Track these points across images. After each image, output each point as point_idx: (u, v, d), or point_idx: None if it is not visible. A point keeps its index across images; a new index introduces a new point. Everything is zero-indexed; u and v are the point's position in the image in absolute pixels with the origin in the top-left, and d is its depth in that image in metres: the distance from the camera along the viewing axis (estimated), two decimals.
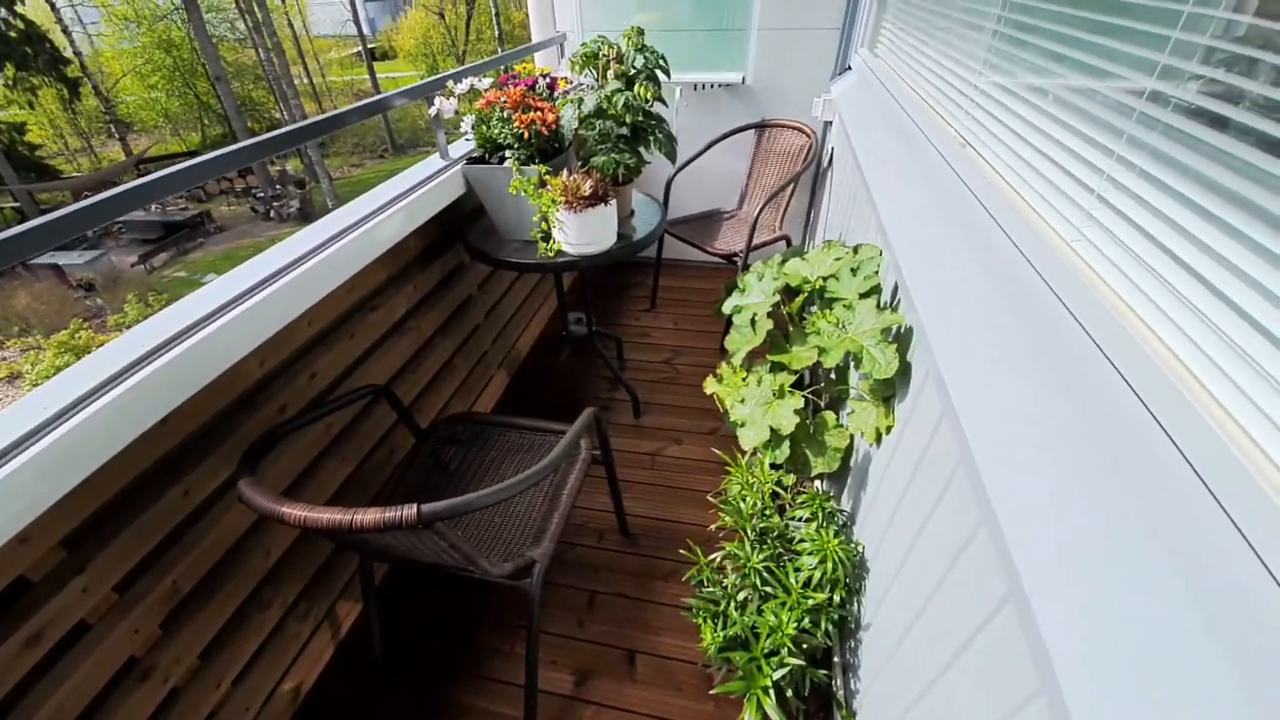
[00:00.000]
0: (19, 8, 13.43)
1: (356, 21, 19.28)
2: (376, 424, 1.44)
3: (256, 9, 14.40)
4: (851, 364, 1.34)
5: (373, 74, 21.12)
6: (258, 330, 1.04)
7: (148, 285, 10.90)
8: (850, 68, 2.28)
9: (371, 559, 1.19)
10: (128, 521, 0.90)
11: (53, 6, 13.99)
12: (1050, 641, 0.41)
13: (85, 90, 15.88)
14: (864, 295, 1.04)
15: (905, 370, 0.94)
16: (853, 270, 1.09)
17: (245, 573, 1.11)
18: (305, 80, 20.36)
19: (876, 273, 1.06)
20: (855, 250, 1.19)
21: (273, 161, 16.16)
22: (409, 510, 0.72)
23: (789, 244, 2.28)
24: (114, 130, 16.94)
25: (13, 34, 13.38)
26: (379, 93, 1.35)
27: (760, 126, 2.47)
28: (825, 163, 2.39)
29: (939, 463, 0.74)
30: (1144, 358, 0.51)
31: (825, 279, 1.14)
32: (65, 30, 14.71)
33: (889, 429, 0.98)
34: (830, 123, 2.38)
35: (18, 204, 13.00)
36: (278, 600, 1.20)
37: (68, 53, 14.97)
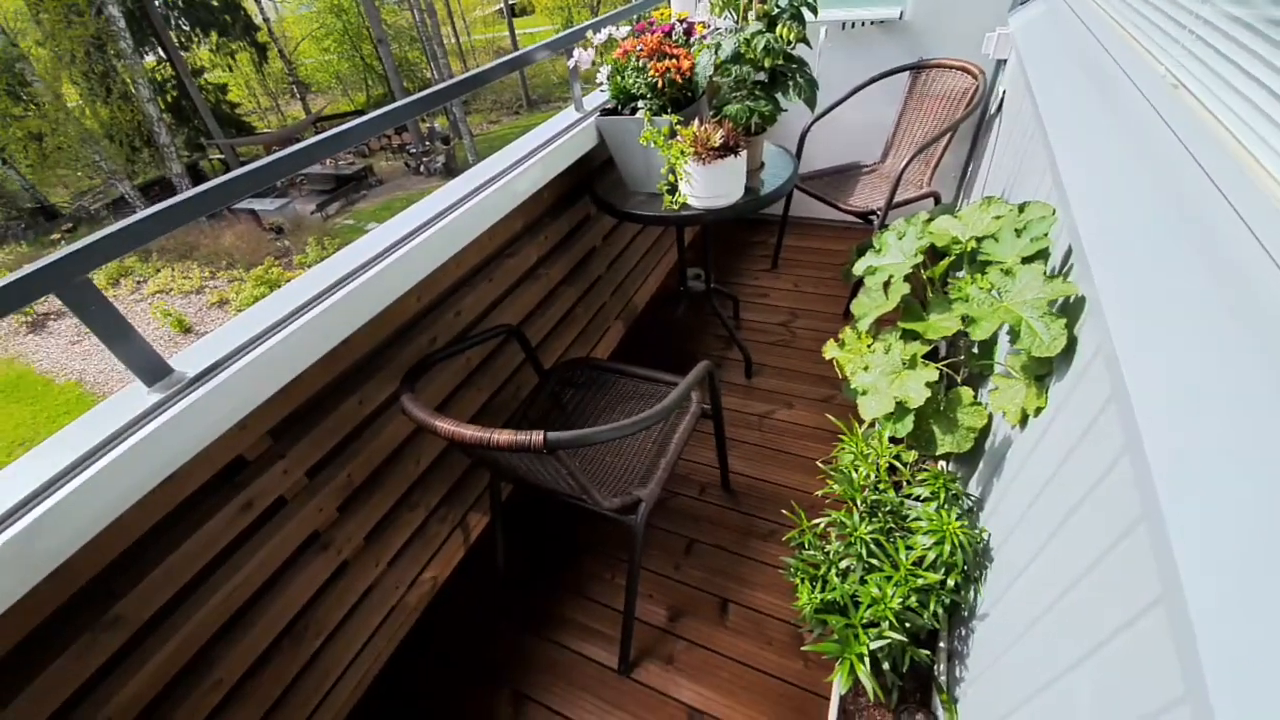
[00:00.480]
0: None
1: None
2: (506, 362, 1.58)
3: None
4: (1001, 336, 1.22)
5: (512, 30, 21.89)
6: (416, 270, 1.18)
7: (324, 230, 12.59)
8: None
9: (500, 478, 1.33)
10: (318, 420, 1.09)
11: None
12: (1205, 653, 0.37)
13: (272, 54, 18.20)
14: (1028, 260, 0.93)
15: (1070, 347, 0.84)
16: (1016, 231, 0.97)
17: (401, 475, 1.30)
18: (453, 40, 21.63)
19: (1046, 235, 0.93)
20: (1021, 209, 1.05)
21: (424, 119, 17.59)
22: (536, 436, 0.80)
23: (938, 202, 2.06)
24: (295, 91, 19.38)
25: (215, 2, 15.55)
26: (517, 49, 1.40)
27: (917, 68, 2.20)
28: (993, 109, 2.10)
29: (1098, 451, 0.66)
30: None
31: (980, 239, 1.02)
32: None
33: (1038, 410, 0.88)
34: (1004, 61, 2.07)
35: (223, 156, 15.48)
36: (423, 503, 1.39)
37: (258, 20, 17.15)
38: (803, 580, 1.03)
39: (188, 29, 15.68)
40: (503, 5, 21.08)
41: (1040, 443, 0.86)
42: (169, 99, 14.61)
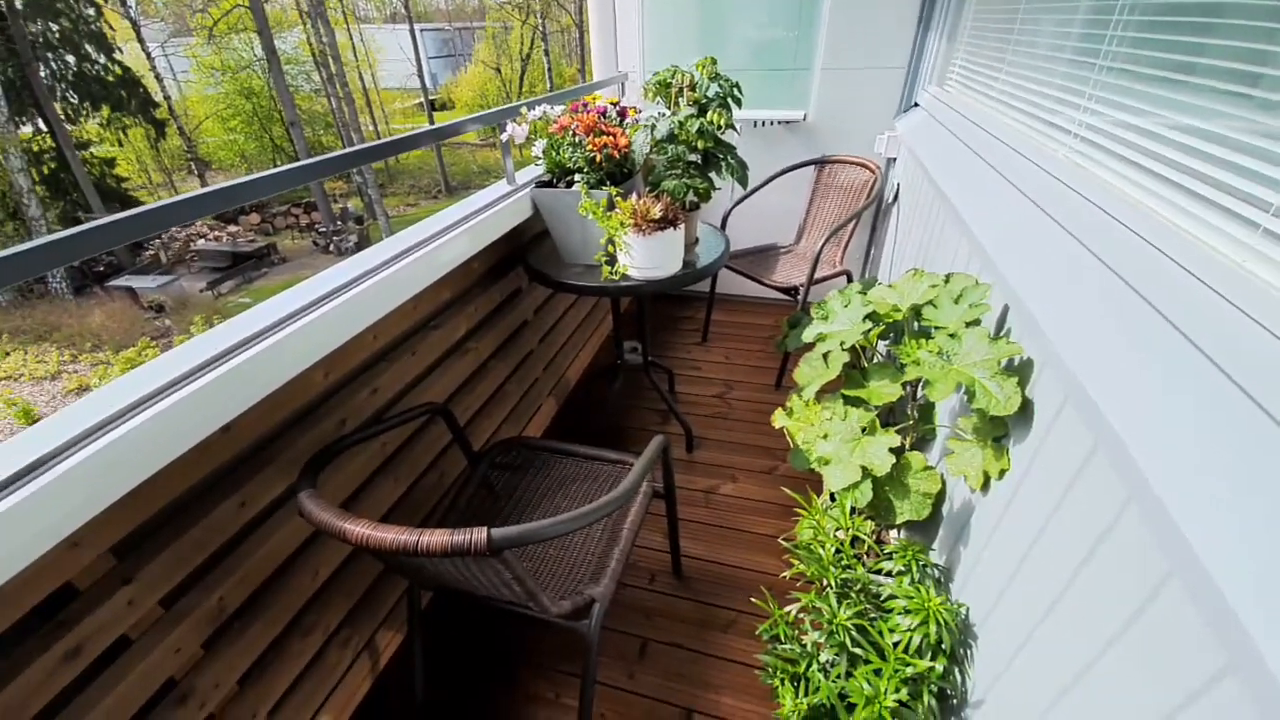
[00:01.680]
0: (118, 55, 14.91)
1: (420, 75, 20.71)
2: (429, 445, 1.40)
3: (331, 63, 15.65)
4: (939, 402, 1.24)
5: (432, 122, 22.56)
6: (324, 341, 1.02)
7: (214, 309, 11.54)
8: (917, 104, 2.24)
9: (421, 586, 1.12)
10: (182, 531, 0.87)
11: (147, 55, 15.51)
12: None
13: (170, 131, 17.37)
14: (969, 324, 0.95)
15: (1025, 406, 0.84)
16: (954, 299, 1.01)
17: (292, 593, 1.05)
18: (371, 128, 21.84)
19: (984, 300, 0.97)
20: (947, 279, 1.10)
21: (335, 200, 17.20)
22: (479, 534, 0.66)
23: (850, 279, 2.20)
24: (194, 167, 18.40)
25: (110, 78, 14.85)
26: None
27: (821, 162, 2.44)
28: (890, 198, 2.33)
29: (1090, 508, 0.63)
30: None
31: (920, 307, 1.05)
32: (158, 76, 16.24)
33: (1002, 473, 0.87)
34: (893, 159, 2.34)
35: None
36: (320, 625, 1.13)
37: (158, 97, 16.47)
38: (783, 681, 0.91)
39: (75, 102, 14.68)
40: (423, 99, 21.78)
41: (1010, 506, 0.84)
42: (45, 170, 13.30)
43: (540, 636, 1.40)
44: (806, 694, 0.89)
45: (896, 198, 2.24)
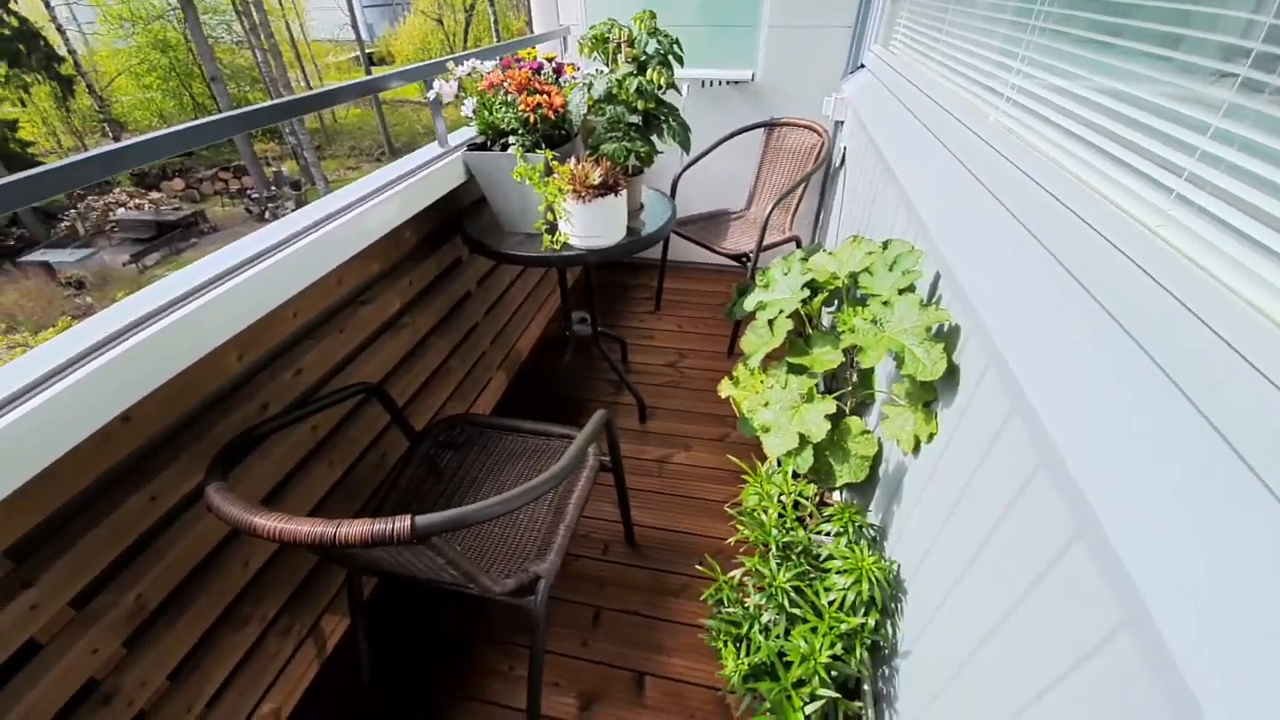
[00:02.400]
0: (13, 5, 13.31)
1: (355, 26, 19.21)
2: (367, 427, 1.35)
3: (254, 11, 14.34)
4: (877, 367, 1.26)
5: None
6: (235, 317, 0.95)
7: (138, 284, 10.73)
8: (864, 65, 2.22)
9: (360, 573, 1.09)
10: (85, 530, 0.80)
11: (47, 4, 13.84)
12: (1196, 686, 0.33)
13: (79, 89, 15.72)
14: (902, 291, 0.96)
15: (952, 372, 0.86)
16: (889, 265, 1.01)
17: (220, 586, 1.00)
18: (303, 83, 20.29)
19: (917, 267, 0.98)
20: (885, 245, 1.11)
21: (267, 163, 16.05)
22: (401, 523, 0.63)
23: (799, 245, 2.21)
24: (108, 129, 16.76)
25: (5, 31, 13.26)
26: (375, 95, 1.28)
27: (769, 125, 2.40)
28: (837, 162, 2.33)
29: (1005, 470, 0.65)
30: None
31: (856, 274, 1.06)
32: (59, 29, 14.56)
33: (931, 436, 0.90)
34: (841, 122, 2.32)
35: None
36: (256, 616, 1.09)
37: (62, 51, 14.83)
38: (725, 643, 0.94)
39: None
40: (359, 53, 20.29)
41: (938, 467, 0.87)
42: None
43: (493, 612, 1.40)
44: (748, 654, 0.91)
45: (844, 162, 2.24)
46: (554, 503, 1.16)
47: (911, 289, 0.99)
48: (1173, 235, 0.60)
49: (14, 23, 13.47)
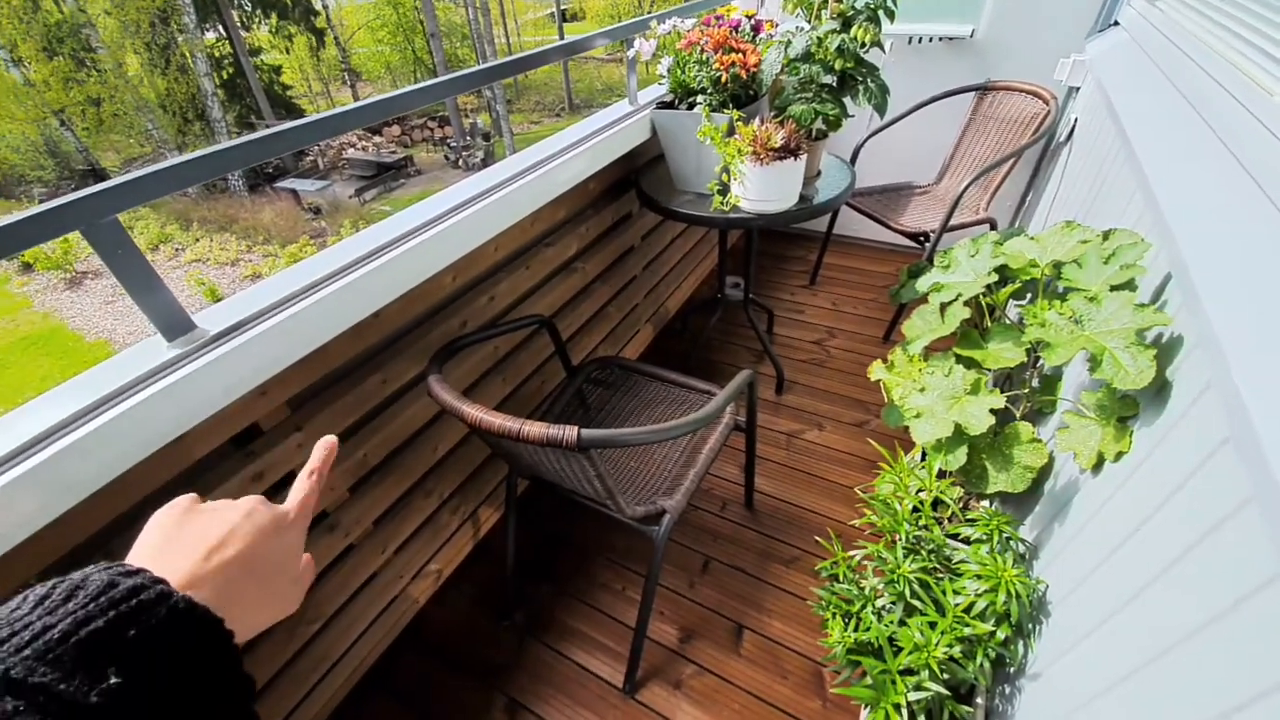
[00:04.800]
0: None
1: None
2: (534, 354, 1.53)
3: None
4: (1065, 372, 1.13)
5: (561, 35, 22.22)
6: (452, 248, 1.14)
7: (360, 215, 12.83)
8: (1117, 23, 1.86)
9: (518, 473, 1.28)
10: (340, 395, 1.05)
11: None
12: None
13: (328, 40, 18.67)
14: (1116, 288, 0.85)
15: (1162, 387, 0.75)
16: (1104, 258, 0.89)
17: (418, 460, 1.25)
18: (504, 40, 22.02)
19: (1139, 262, 0.85)
20: (1106, 235, 0.97)
21: (466, 114, 17.86)
22: (570, 431, 0.74)
23: (994, 228, 1.97)
24: (347, 78, 19.85)
25: None
26: None
27: (983, 89, 2.11)
28: (1062, 137, 2.00)
29: (1206, 502, 0.57)
30: None
31: (1061, 264, 0.94)
32: None
33: (1119, 455, 0.80)
34: (1076, 89, 1.98)
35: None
36: (436, 491, 1.34)
37: (317, 5, 17.64)
38: (834, 615, 0.95)
39: (249, 9, 16.19)
40: (555, 9, 21.39)
41: (1121, 490, 0.77)
42: (224, 75, 15.07)
43: (615, 537, 1.55)
44: (856, 630, 0.92)
45: (1071, 136, 1.92)
46: (688, 449, 1.24)
47: (1130, 286, 0.86)
48: None
49: None
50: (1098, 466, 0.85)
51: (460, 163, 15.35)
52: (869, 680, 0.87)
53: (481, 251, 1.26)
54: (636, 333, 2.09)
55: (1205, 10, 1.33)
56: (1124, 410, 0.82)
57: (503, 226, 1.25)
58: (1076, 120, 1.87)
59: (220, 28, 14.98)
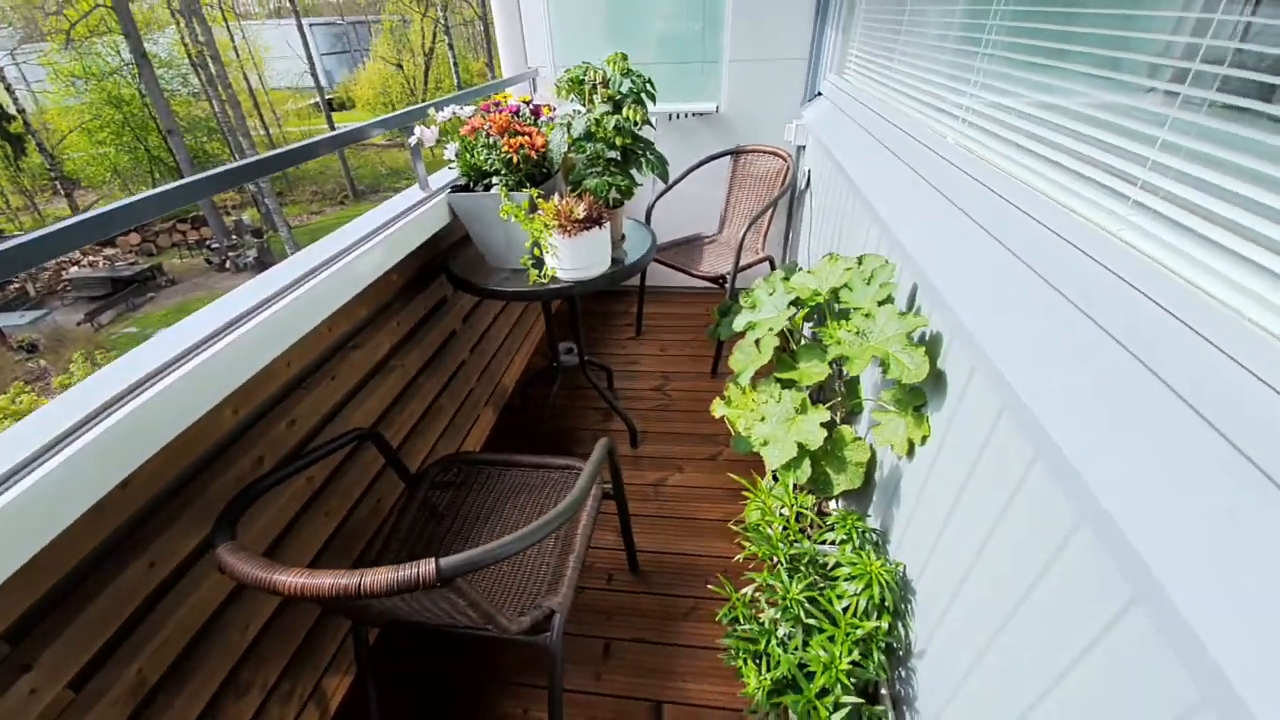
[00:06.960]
0: None
1: (314, 73, 19.28)
2: (361, 473, 1.33)
3: (211, 63, 14.30)
4: (863, 376, 1.31)
5: (331, 124, 21.08)
6: (230, 376, 0.94)
7: (95, 343, 10.34)
8: (820, 93, 2.34)
9: (367, 625, 1.06)
10: (83, 605, 0.77)
11: None
12: (1219, 651, 0.36)
13: (30, 147, 15.30)
14: (881, 303, 1.01)
15: (938, 377, 0.91)
16: (866, 280, 1.06)
17: (220, 653, 0.97)
18: (262, 132, 20.15)
19: (890, 280, 1.03)
20: (860, 261, 1.16)
21: (226, 212, 15.79)
22: (426, 567, 0.63)
23: (773, 265, 2.28)
24: (59, 187, 16.29)
25: None
26: None
27: (736, 153, 2.50)
28: (802, 185, 2.43)
29: (1003, 464, 0.69)
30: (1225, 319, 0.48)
31: (837, 290, 1.11)
32: (8, 88, 14.26)
33: (924, 439, 0.93)
34: (803, 147, 2.43)
35: None
36: (257, 682, 1.05)
37: (12, 110, 14.48)
38: (745, 661, 0.94)
39: None
40: (319, 99, 20.30)
41: (934, 468, 0.90)
42: None
43: (502, 653, 1.37)
44: (769, 669, 0.92)
45: (809, 184, 2.34)
46: (562, 536, 1.16)
47: (890, 300, 1.04)
48: (1134, 238, 0.66)
49: None
50: (911, 452, 0.98)
51: (228, 264, 13.40)
52: (794, 716, 0.87)
53: (271, 371, 1.06)
54: (477, 419, 1.96)
55: (875, 77, 1.74)
56: (915, 400, 0.97)
57: (295, 337, 1.08)
58: (810, 170, 2.29)
59: None
